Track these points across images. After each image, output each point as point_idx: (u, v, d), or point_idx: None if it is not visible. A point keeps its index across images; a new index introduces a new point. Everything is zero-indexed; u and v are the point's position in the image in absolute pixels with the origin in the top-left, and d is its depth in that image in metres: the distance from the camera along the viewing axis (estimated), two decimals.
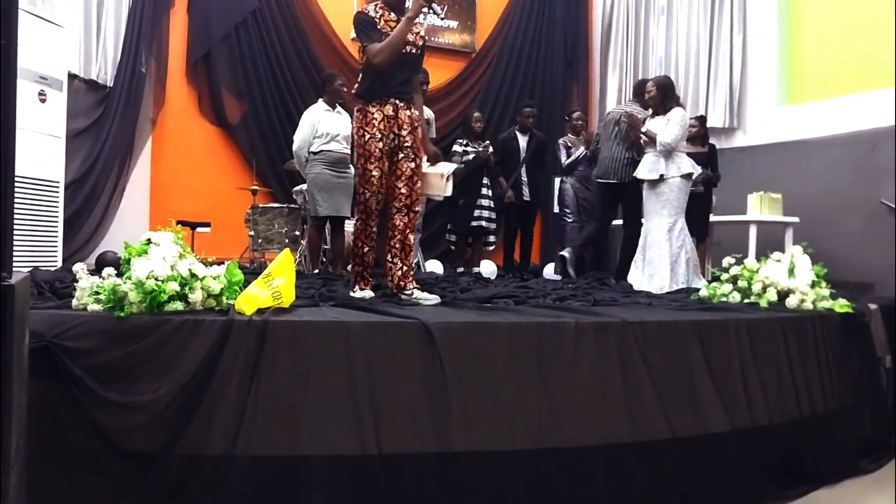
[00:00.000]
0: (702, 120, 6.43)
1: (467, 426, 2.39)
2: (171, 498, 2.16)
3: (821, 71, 6.39)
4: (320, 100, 5.76)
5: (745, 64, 7.08)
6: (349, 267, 3.69)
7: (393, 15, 3.62)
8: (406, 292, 3.50)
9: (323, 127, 5.53)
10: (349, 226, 5.43)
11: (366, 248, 3.62)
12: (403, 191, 3.63)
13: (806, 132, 6.28)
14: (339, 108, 5.77)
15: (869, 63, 5.85)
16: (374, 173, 3.55)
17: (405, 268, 3.60)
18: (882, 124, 5.56)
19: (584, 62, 9.10)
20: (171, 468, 2.17)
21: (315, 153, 5.54)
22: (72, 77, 5.81)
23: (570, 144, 6.41)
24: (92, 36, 6.39)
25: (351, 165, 5.78)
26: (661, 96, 4.97)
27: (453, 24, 8.53)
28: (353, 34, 3.72)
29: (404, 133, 3.62)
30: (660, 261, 4.74)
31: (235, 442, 2.20)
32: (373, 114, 3.57)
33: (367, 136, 3.54)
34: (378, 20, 3.58)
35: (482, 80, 8.66)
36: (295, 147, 5.61)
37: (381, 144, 3.56)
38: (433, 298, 3.44)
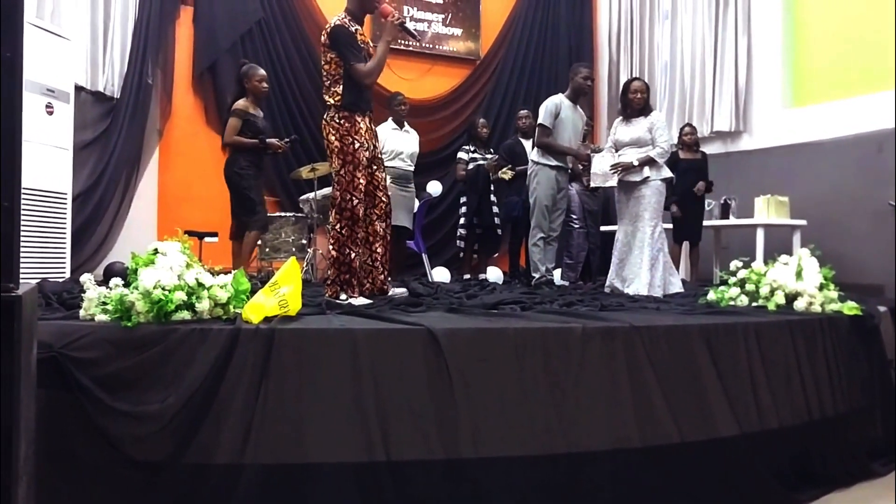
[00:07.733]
0: (693, 127, 6.47)
1: (475, 432, 2.39)
2: None
3: (826, 73, 6.38)
4: (390, 119, 5.90)
5: (751, 67, 7.07)
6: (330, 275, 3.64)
7: (360, 28, 3.67)
8: (389, 294, 3.76)
9: (389, 145, 5.66)
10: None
11: (353, 255, 3.54)
12: (384, 199, 3.78)
13: (812, 134, 6.27)
14: (406, 127, 5.91)
15: (874, 65, 5.83)
16: (362, 181, 3.55)
17: (386, 272, 3.82)
18: (888, 126, 5.54)
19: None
20: (179, 477, 2.17)
21: None
22: (79, 89, 5.85)
23: None
24: (98, 48, 6.44)
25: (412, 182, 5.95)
26: (648, 98, 4.93)
27: (457, 31, 8.54)
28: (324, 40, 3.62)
29: (377, 143, 3.77)
30: (640, 266, 4.70)
31: (243, 450, 2.20)
32: (359, 123, 3.57)
33: (357, 145, 3.53)
34: (355, 34, 3.59)
35: (487, 87, 8.68)
36: None
37: (367, 153, 3.59)
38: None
